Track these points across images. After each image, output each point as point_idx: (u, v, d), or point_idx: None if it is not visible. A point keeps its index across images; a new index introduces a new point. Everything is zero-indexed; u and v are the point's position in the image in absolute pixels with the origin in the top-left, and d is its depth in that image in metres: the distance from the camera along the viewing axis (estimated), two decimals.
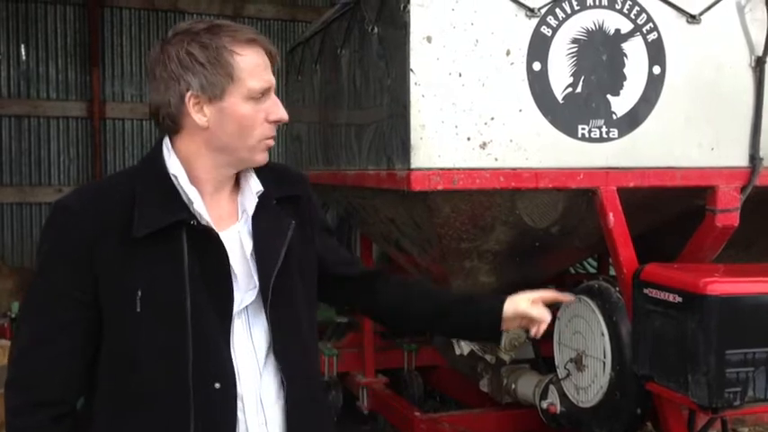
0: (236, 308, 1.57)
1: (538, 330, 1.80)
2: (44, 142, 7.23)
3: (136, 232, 1.48)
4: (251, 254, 1.60)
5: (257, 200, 1.63)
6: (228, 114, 1.54)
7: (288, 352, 1.62)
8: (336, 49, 3.61)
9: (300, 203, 1.74)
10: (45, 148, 7.24)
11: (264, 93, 1.56)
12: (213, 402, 1.51)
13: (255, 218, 1.63)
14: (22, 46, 7.14)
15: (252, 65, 1.54)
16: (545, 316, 1.79)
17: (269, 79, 1.57)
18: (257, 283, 1.59)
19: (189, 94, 1.52)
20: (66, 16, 7.25)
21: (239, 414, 1.55)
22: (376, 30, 3.02)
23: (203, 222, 1.54)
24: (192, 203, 1.54)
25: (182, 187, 1.54)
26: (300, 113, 4.55)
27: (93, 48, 7.25)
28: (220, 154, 1.57)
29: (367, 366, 4.48)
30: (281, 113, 1.58)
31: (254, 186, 1.64)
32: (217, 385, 1.51)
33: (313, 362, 1.76)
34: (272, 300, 1.58)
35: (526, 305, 1.80)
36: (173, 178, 1.55)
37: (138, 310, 1.48)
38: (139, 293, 1.48)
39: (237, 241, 1.61)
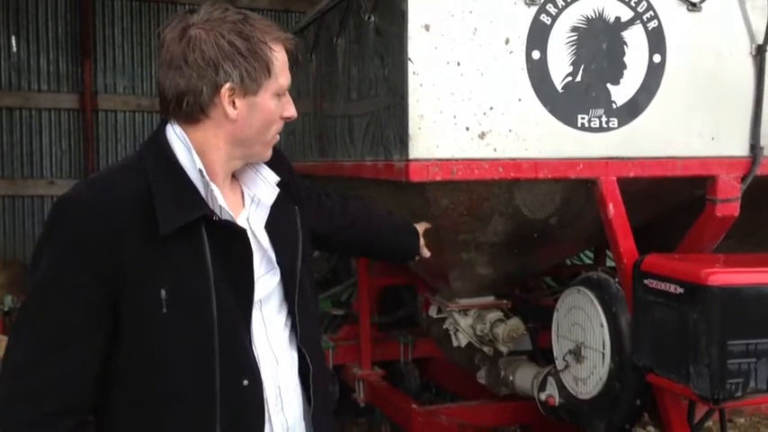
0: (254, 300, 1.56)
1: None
2: (36, 134, 7.18)
3: (162, 230, 1.42)
4: (269, 245, 1.61)
5: (277, 191, 1.65)
6: (259, 109, 1.55)
7: (309, 337, 1.67)
8: (332, 38, 3.57)
9: (290, 183, 1.75)
10: (37, 141, 7.19)
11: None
12: (243, 399, 1.50)
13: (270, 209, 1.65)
14: (13, 37, 7.08)
15: (283, 62, 1.58)
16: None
17: (290, 77, 1.63)
18: (278, 273, 1.61)
19: (227, 85, 1.49)
20: (58, 7, 7.19)
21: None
22: (372, 19, 2.98)
23: (225, 217, 1.51)
24: (217, 200, 1.50)
25: (205, 182, 1.49)
26: (295, 104, 4.49)
27: (85, 39, 7.19)
28: (238, 147, 1.56)
29: (363, 359, 4.44)
30: (293, 111, 1.64)
31: (269, 177, 1.65)
32: (245, 382, 1.49)
33: (320, 343, 1.84)
34: (298, 289, 1.63)
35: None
36: (191, 172, 1.50)
37: (165, 310, 1.43)
38: (164, 293, 1.43)
39: (248, 231, 1.60)
